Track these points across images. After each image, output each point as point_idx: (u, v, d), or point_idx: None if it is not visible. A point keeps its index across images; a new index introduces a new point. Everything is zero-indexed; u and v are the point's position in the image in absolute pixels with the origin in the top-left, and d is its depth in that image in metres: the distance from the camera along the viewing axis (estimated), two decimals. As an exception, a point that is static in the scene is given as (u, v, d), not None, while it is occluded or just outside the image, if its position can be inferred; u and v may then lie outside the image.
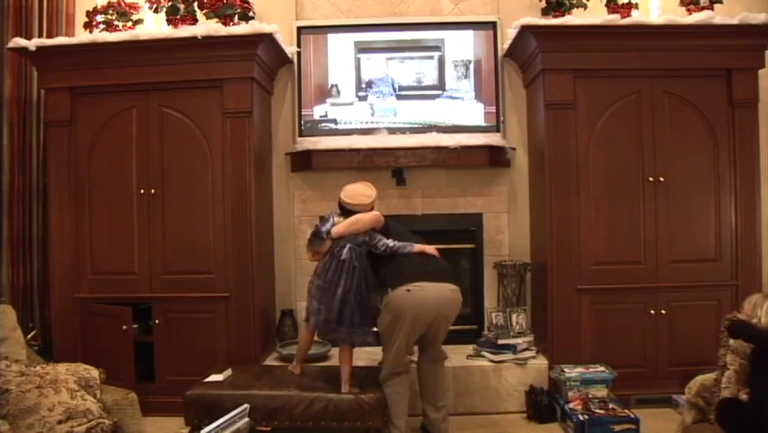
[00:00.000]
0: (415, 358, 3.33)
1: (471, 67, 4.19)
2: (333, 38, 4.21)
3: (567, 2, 3.85)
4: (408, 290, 2.97)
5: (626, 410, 3.32)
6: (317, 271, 3.15)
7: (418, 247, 3.18)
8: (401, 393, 3.09)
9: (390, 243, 3.15)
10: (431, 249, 3.22)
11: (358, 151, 3.94)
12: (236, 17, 3.81)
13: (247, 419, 2.16)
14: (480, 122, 4.16)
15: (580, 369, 3.55)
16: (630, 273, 3.74)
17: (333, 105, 4.20)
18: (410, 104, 4.18)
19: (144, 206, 3.80)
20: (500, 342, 3.75)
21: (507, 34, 3.99)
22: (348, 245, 3.08)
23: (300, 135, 4.17)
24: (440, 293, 3.02)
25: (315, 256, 3.18)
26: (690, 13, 3.78)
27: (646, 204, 3.75)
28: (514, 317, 3.84)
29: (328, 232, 3.11)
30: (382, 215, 3.25)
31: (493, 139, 4.05)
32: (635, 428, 3.21)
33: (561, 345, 3.70)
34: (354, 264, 3.07)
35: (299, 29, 4.20)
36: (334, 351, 3.89)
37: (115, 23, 3.89)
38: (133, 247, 3.80)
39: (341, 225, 3.12)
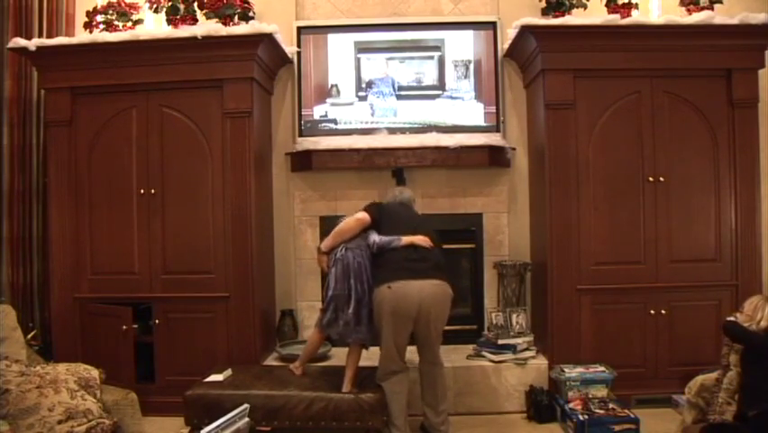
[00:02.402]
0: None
1: (471, 67, 4.19)
2: (333, 38, 4.21)
3: (567, 2, 3.85)
4: (389, 287, 2.98)
5: (626, 410, 3.32)
6: (329, 285, 3.17)
7: (405, 240, 3.10)
8: (398, 392, 3.08)
9: (378, 239, 3.12)
10: (420, 239, 3.13)
11: (358, 151, 3.94)
12: (236, 17, 3.81)
13: (247, 419, 2.17)
14: (480, 122, 4.16)
15: (580, 369, 3.55)
16: (630, 273, 3.74)
17: (333, 105, 4.20)
18: (410, 104, 4.18)
19: (144, 206, 3.80)
20: (500, 342, 3.75)
21: (507, 34, 3.99)
22: (342, 247, 3.14)
23: (300, 135, 4.17)
24: (422, 288, 2.98)
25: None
26: (690, 13, 3.78)
27: (646, 204, 3.75)
28: (514, 317, 3.84)
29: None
30: (367, 208, 3.23)
31: (493, 139, 4.05)
32: (635, 428, 3.21)
33: (561, 345, 3.70)
34: (358, 261, 3.10)
35: (299, 29, 4.20)
36: (335, 351, 3.90)
37: (115, 23, 3.89)
38: (133, 247, 3.80)
39: (328, 239, 3.20)
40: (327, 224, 3.87)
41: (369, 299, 3.08)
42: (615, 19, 3.65)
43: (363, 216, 3.18)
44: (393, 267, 3.03)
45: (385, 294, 2.98)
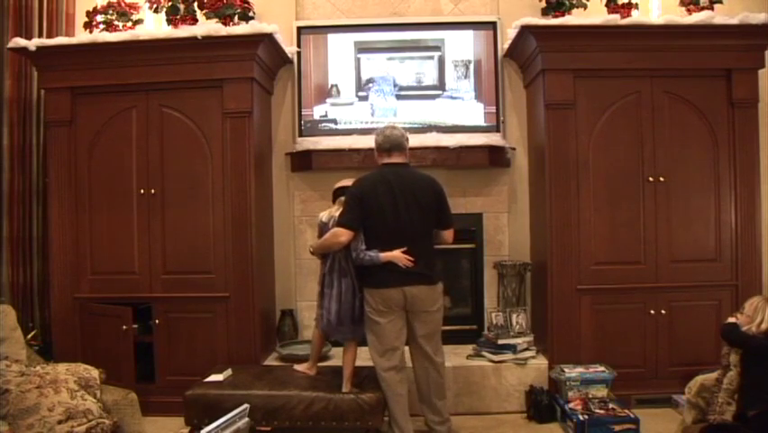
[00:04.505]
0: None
1: (471, 67, 4.19)
2: (333, 38, 4.21)
3: (567, 2, 3.85)
4: (376, 289, 3.04)
5: (626, 410, 3.32)
6: (318, 281, 3.28)
7: (384, 258, 3.01)
8: (399, 393, 3.06)
9: (362, 254, 3.04)
10: (398, 258, 3.01)
11: (358, 151, 3.94)
12: (236, 17, 3.81)
13: (247, 419, 2.17)
14: (480, 122, 4.16)
15: (580, 369, 3.55)
16: (630, 273, 3.74)
17: (333, 105, 4.20)
18: (410, 104, 4.18)
19: (144, 206, 3.80)
20: (500, 342, 3.74)
21: (507, 34, 3.99)
22: (330, 254, 3.18)
23: (300, 135, 4.17)
24: (405, 290, 3.02)
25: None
26: (690, 13, 3.78)
27: (646, 204, 3.75)
28: (514, 317, 3.84)
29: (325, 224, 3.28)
30: (347, 215, 3.06)
31: (493, 139, 4.05)
32: (635, 428, 3.21)
33: (561, 345, 3.70)
34: (342, 265, 3.14)
35: (299, 29, 4.20)
36: (335, 351, 3.90)
37: (115, 23, 3.89)
38: (133, 247, 3.80)
39: (317, 246, 3.24)
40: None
41: (354, 302, 3.13)
42: (615, 19, 3.65)
43: (346, 238, 3.03)
44: (378, 275, 3.04)
45: (372, 292, 3.06)
